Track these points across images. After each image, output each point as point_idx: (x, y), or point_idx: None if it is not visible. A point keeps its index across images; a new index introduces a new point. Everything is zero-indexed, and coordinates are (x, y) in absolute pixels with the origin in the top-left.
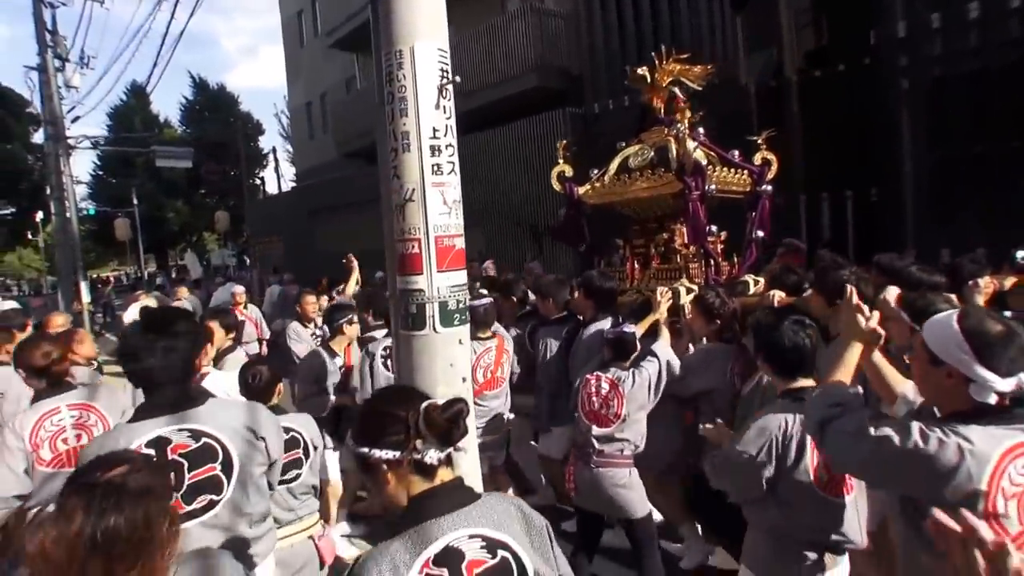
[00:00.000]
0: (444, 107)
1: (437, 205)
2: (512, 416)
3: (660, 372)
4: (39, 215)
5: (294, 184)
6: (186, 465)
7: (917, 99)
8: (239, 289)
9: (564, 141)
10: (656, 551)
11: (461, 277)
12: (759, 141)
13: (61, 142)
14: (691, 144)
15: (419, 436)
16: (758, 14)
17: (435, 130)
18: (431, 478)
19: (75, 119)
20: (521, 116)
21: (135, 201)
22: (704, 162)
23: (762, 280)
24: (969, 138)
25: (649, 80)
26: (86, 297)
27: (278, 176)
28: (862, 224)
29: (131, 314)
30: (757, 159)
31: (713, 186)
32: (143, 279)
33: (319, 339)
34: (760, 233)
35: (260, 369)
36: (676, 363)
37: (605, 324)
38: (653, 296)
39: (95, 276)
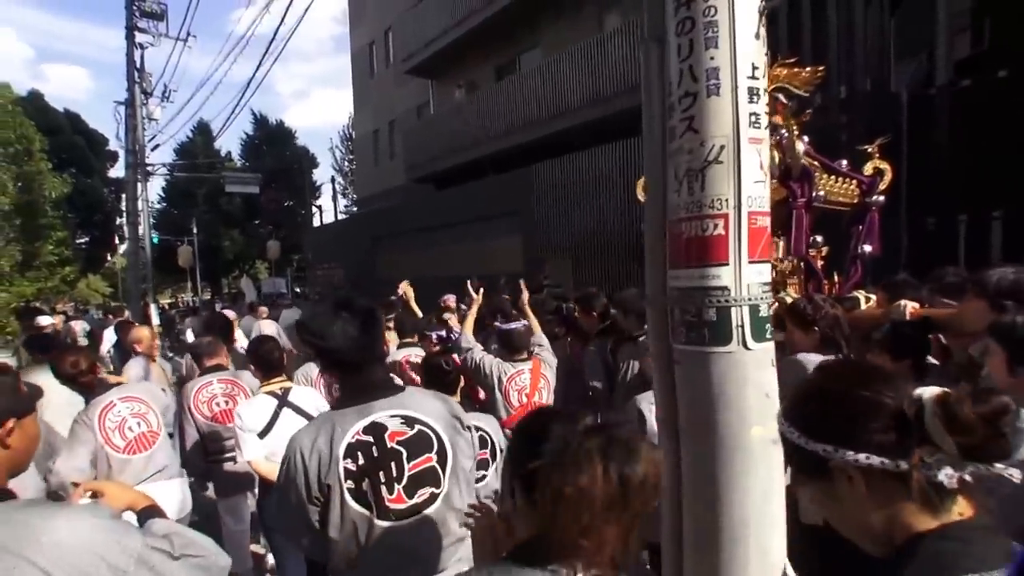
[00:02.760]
0: (763, 37)
1: (753, 169)
2: None
3: None
4: (116, 240)
5: (345, 214)
6: (404, 455)
7: None
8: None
9: None
10: None
11: (767, 271)
12: (870, 150)
13: (141, 168)
14: (800, 146)
15: (928, 441)
16: (910, 17)
17: (754, 67)
18: (938, 512)
19: (155, 147)
20: (620, 138)
21: (195, 230)
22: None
23: (874, 297)
24: None
25: None
26: (155, 320)
27: (335, 204)
28: None
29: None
30: (868, 168)
31: (821, 192)
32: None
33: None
34: (868, 248)
35: (451, 358)
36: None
37: None
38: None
39: (163, 302)
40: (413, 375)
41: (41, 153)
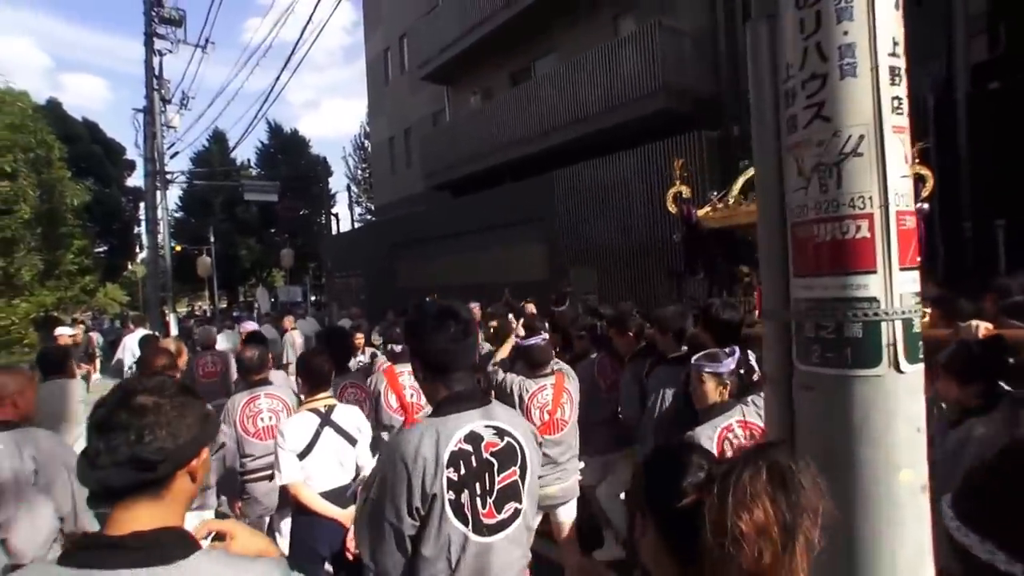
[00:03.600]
0: (901, 7)
1: (898, 162)
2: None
3: None
4: (137, 248)
5: (360, 222)
6: (496, 466)
7: None
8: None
9: (681, 160)
10: None
11: (918, 280)
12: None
13: (160, 176)
14: None
15: None
16: (927, 20)
17: (895, 43)
18: None
19: (174, 155)
20: (639, 143)
21: (212, 239)
22: None
23: (927, 311)
24: None
25: None
26: (174, 330)
27: (352, 212)
28: None
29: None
30: None
31: None
32: (217, 314)
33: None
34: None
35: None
36: None
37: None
38: None
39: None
40: None
41: (60, 161)
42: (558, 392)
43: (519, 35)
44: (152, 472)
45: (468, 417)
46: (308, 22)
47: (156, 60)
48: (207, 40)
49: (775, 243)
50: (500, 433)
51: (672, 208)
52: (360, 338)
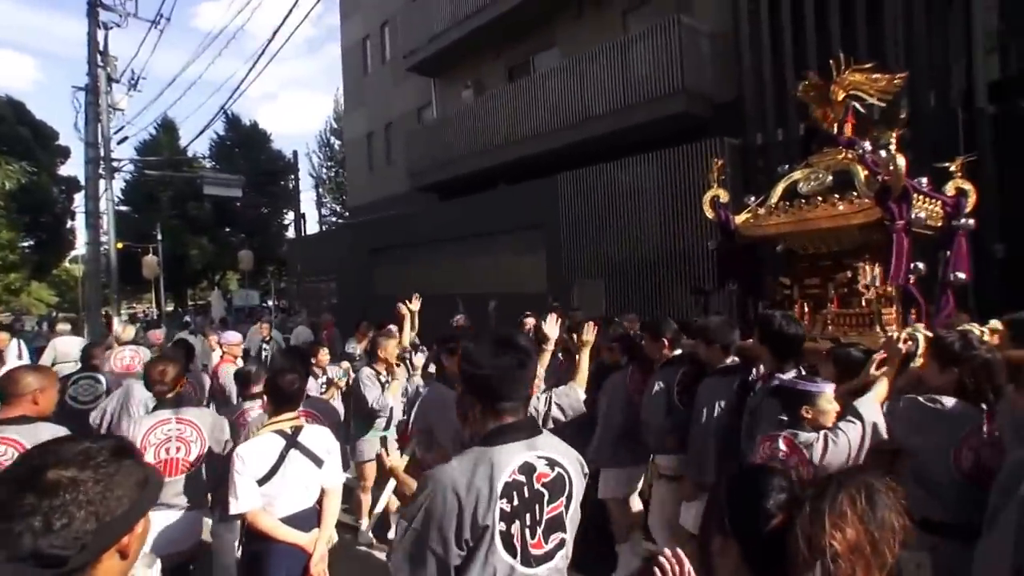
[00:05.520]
0: None
1: None
2: None
3: (863, 438)
4: (71, 244)
5: (325, 224)
6: (546, 497)
7: None
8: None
9: (720, 161)
10: None
11: None
12: (952, 168)
13: (105, 163)
14: (901, 162)
15: None
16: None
17: None
18: None
19: (123, 140)
20: (653, 147)
21: (159, 237)
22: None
23: (989, 328)
24: None
25: (821, 93)
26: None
27: (318, 212)
28: None
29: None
30: (950, 189)
31: (921, 214)
32: (161, 317)
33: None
34: (961, 275)
35: None
36: (884, 426)
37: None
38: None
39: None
40: None
41: None
42: None
43: (517, 26)
44: (61, 567)
45: (521, 447)
46: (289, 13)
47: (101, 34)
48: (160, 15)
49: None
50: (551, 464)
51: (710, 213)
52: (323, 356)
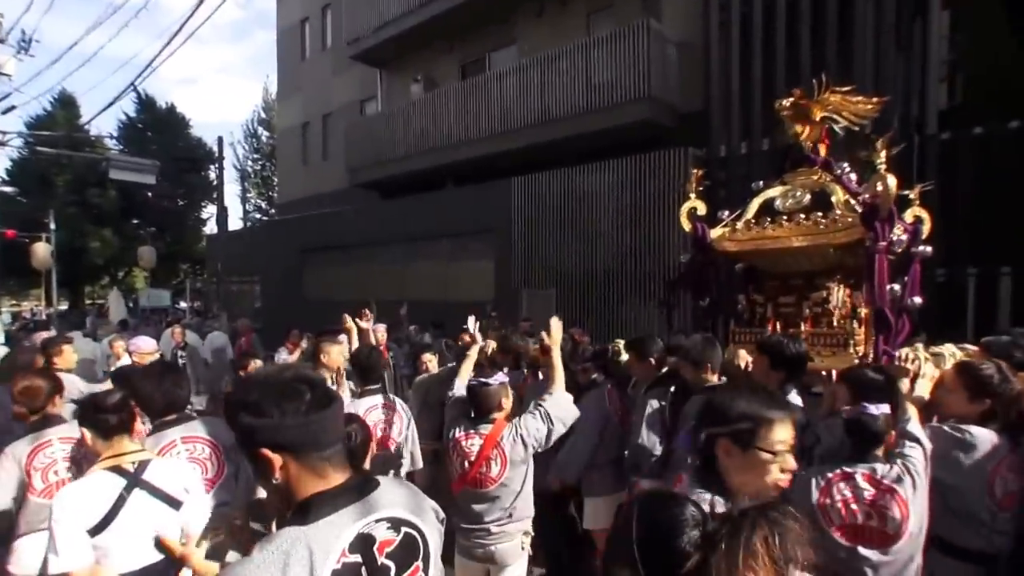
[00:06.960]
0: None
1: None
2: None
3: (926, 464)
4: None
5: (249, 221)
6: (393, 570)
7: None
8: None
9: (699, 172)
10: None
11: None
12: (911, 196)
13: None
14: (892, 181)
15: None
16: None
17: None
18: None
19: (8, 109)
20: (614, 155)
21: (52, 226)
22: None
23: (959, 353)
24: None
25: (800, 111)
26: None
27: (243, 207)
28: None
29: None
30: (908, 216)
31: (904, 236)
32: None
33: None
34: (918, 300)
35: None
36: (929, 447)
37: (795, 401)
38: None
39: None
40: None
41: None
42: (488, 445)
43: (474, 21)
44: None
45: (350, 514)
46: None
47: None
48: None
49: None
50: (395, 525)
51: (686, 225)
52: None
